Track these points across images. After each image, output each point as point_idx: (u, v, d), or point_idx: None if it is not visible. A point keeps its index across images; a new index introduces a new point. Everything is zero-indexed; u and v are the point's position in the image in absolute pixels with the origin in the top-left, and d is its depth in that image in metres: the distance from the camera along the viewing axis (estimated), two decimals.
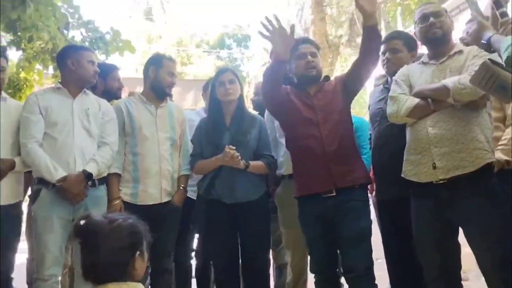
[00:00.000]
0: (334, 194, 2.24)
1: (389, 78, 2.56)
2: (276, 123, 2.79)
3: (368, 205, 2.36)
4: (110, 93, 2.93)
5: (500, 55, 1.64)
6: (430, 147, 2.04)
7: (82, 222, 1.31)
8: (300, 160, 2.37)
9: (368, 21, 2.21)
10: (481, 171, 1.96)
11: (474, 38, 1.79)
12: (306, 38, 2.78)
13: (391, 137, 2.34)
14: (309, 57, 2.41)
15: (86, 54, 2.59)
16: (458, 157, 1.98)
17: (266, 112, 2.93)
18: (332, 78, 2.56)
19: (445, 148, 2.01)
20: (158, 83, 2.71)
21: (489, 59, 1.70)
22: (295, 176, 2.42)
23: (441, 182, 2.01)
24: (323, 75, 2.49)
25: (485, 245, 1.95)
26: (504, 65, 1.55)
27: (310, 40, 2.64)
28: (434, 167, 2.02)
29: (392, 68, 2.44)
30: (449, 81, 1.99)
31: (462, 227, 2.06)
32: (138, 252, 1.31)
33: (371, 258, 2.25)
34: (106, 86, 2.98)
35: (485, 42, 1.69)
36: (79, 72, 2.53)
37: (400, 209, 2.21)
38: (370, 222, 2.31)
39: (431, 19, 2.12)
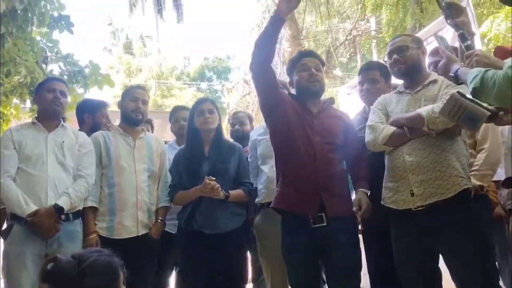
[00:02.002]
0: (325, 224, 2.15)
1: (366, 107, 2.61)
2: (259, 150, 2.78)
3: (358, 235, 2.31)
4: (98, 129, 2.90)
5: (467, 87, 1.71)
6: (408, 175, 2.07)
7: (49, 266, 1.24)
8: (290, 175, 2.26)
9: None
10: (458, 198, 1.98)
11: (443, 71, 1.86)
12: (310, 51, 2.62)
13: (371, 165, 2.35)
14: (313, 70, 2.33)
15: (46, 84, 2.60)
16: (435, 184, 2.01)
17: (250, 140, 2.92)
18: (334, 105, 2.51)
19: (422, 175, 2.04)
20: (124, 111, 2.74)
21: (458, 91, 1.76)
22: (281, 188, 2.29)
23: (420, 209, 2.02)
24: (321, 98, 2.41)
25: (466, 274, 1.95)
26: (471, 95, 1.62)
27: (314, 54, 2.51)
28: (412, 194, 2.04)
29: (370, 98, 2.48)
30: (424, 110, 2.05)
31: (442, 255, 2.06)
32: None
33: None
34: (95, 121, 2.98)
35: (452, 75, 1.76)
36: (40, 104, 2.58)
37: (385, 239, 2.20)
38: (360, 253, 2.26)
39: (395, 55, 2.20)
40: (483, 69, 1.53)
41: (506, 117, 1.69)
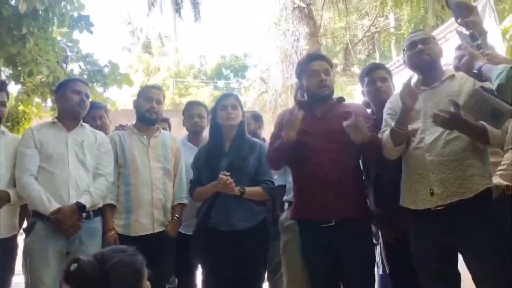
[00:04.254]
0: (333, 223, 2.17)
1: (373, 108, 2.58)
2: None
3: (371, 236, 2.29)
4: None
5: (492, 84, 1.67)
6: (428, 174, 2.04)
7: (72, 267, 1.25)
8: (301, 183, 2.33)
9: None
10: (480, 197, 1.95)
11: (466, 68, 1.82)
12: (319, 54, 2.66)
13: (388, 167, 2.30)
14: (322, 75, 2.33)
15: (70, 85, 2.63)
16: (455, 183, 1.98)
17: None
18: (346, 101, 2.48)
19: (442, 174, 2.00)
20: (138, 111, 2.77)
21: (481, 86, 1.72)
22: (295, 198, 2.38)
23: (440, 208, 1.99)
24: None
25: (486, 272, 1.91)
26: (496, 92, 1.58)
27: (323, 56, 2.52)
28: (432, 194, 2.01)
29: (384, 97, 2.44)
30: None
31: (462, 254, 2.03)
32: None
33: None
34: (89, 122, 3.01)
35: (476, 72, 1.72)
36: (64, 103, 2.60)
37: (405, 243, 2.16)
38: (374, 252, 2.25)
39: (420, 45, 2.15)
40: (509, 66, 1.49)
41: None
